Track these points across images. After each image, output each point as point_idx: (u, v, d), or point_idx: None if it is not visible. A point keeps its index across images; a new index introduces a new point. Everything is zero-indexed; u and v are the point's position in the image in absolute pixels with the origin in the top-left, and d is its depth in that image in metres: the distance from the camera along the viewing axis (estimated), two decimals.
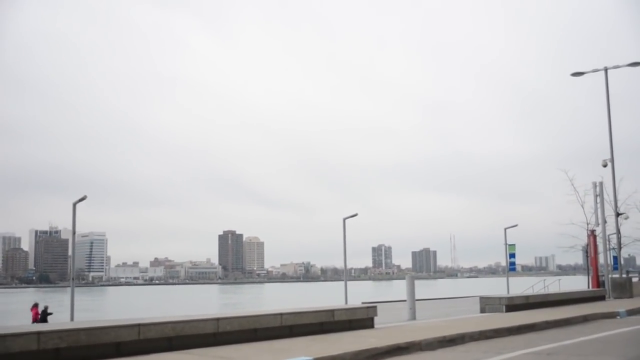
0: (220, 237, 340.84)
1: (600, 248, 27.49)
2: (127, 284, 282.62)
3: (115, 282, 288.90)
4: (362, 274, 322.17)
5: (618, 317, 19.49)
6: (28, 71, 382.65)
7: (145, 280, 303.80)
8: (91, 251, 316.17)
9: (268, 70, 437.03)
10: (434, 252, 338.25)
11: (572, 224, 29.80)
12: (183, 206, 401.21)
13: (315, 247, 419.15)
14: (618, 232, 27.31)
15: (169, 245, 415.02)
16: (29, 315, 30.89)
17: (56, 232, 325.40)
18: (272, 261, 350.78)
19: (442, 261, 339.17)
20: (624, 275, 28.09)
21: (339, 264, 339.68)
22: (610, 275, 27.55)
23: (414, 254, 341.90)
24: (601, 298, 25.42)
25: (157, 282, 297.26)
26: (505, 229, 43.09)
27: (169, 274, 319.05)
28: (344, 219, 40.77)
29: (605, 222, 27.38)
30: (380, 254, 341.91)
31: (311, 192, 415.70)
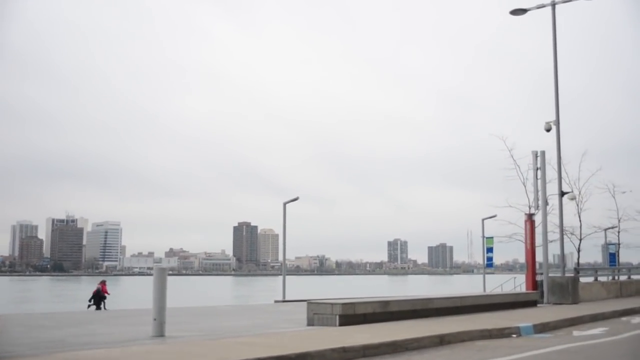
0: (235, 228, 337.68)
1: (541, 239, 20.98)
2: (141, 274, 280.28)
3: (129, 272, 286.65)
4: (377, 269, 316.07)
5: (514, 335, 13.24)
6: (46, 60, 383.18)
7: None
8: (105, 240, 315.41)
9: (288, 61, 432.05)
10: (450, 248, 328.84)
11: (509, 207, 23.27)
12: (201, 197, 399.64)
13: (331, 241, 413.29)
14: (561, 216, 20.75)
15: (184, 236, 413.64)
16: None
17: (72, 220, 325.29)
18: (287, 254, 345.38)
19: (459, 257, 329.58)
20: (570, 275, 21.52)
21: (355, 258, 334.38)
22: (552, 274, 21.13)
23: (430, 249, 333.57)
24: (530, 304, 19.04)
25: (170, 272, 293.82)
26: (483, 220, 36.72)
27: (183, 265, 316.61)
28: (285, 204, 35.54)
29: (546, 203, 20.91)
30: (396, 248, 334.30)
31: (330, 185, 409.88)
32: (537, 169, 20.94)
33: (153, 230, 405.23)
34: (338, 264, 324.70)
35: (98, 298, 30.98)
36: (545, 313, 16.69)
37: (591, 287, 22.10)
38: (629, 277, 26.09)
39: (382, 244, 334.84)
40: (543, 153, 21.06)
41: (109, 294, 32.22)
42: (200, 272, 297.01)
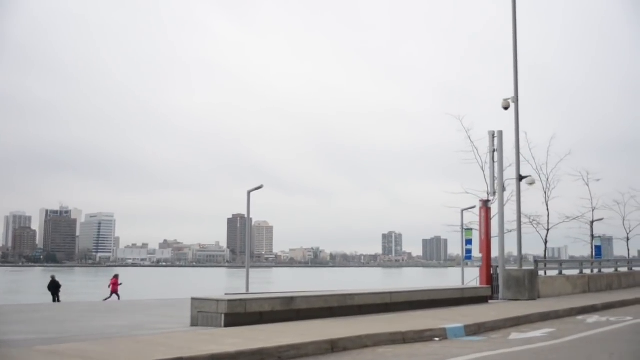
0: (229, 220, 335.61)
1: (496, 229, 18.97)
2: (134, 265, 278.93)
3: (122, 263, 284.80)
4: (371, 261, 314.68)
5: (436, 339, 11.22)
6: (48, 52, 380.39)
7: (153, 262, 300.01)
8: (99, 232, 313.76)
9: (285, 53, 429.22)
10: (445, 240, 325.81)
11: (467, 194, 21.17)
12: (197, 189, 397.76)
13: (326, 233, 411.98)
14: (519, 202, 18.70)
15: (179, 227, 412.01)
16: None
17: (66, 212, 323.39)
18: (282, 246, 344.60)
19: (454, 249, 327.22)
20: (528, 267, 19.47)
21: (349, 250, 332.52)
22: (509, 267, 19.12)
23: (424, 241, 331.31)
24: (480, 300, 17.01)
25: (164, 264, 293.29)
26: (462, 211, 34.88)
27: (177, 257, 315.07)
28: (249, 192, 33.97)
29: (504, 189, 18.88)
30: (391, 241, 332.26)
31: (326, 177, 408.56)
32: (494, 150, 18.92)
33: (148, 221, 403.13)
34: (332, 257, 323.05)
35: (54, 288, 29.65)
36: (489, 311, 14.67)
37: (554, 282, 20.03)
38: (600, 271, 24.03)
39: (377, 237, 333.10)
40: (500, 133, 19.02)
41: (120, 283, 32.35)
42: (194, 263, 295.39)
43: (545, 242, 23.44)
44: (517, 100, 18.80)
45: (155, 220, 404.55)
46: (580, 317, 15.09)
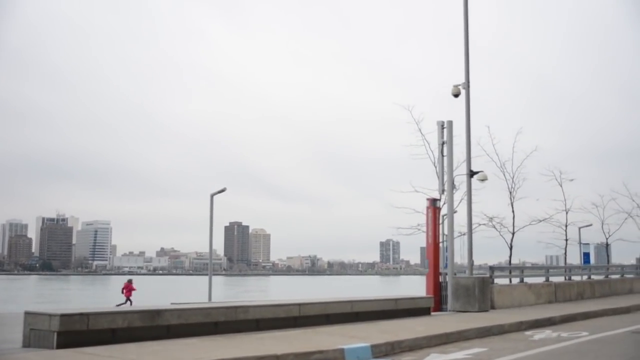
0: (226, 228, 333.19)
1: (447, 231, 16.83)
2: (130, 273, 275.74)
3: (118, 272, 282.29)
4: (369, 269, 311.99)
5: None
6: (44, 58, 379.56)
7: (149, 270, 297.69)
8: (95, 239, 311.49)
9: (284, 61, 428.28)
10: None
11: (416, 192, 18.96)
12: (195, 197, 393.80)
13: (324, 241, 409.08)
14: (470, 200, 16.54)
15: (176, 235, 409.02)
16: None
17: (63, 220, 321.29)
18: (279, 254, 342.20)
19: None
20: (479, 274, 17.31)
21: (347, 258, 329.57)
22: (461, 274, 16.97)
23: (422, 249, 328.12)
24: (421, 312, 14.81)
25: (160, 272, 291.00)
26: (443, 215, 32.87)
27: (173, 264, 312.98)
28: (212, 195, 32.58)
29: (454, 187, 16.76)
30: (389, 249, 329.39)
31: (324, 185, 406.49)
32: (443, 143, 16.82)
33: (145, 229, 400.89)
34: (330, 264, 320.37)
35: None
36: (417, 326, 12.48)
37: (512, 291, 17.82)
38: (569, 279, 21.79)
39: (374, 245, 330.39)
40: (450, 123, 16.93)
41: (134, 289, 31.48)
42: (191, 271, 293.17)
43: (511, 247, 21.25)
44: (469, 86, 16.75)
45: (152, 228, 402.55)
46: (528, 333, 12.95)
